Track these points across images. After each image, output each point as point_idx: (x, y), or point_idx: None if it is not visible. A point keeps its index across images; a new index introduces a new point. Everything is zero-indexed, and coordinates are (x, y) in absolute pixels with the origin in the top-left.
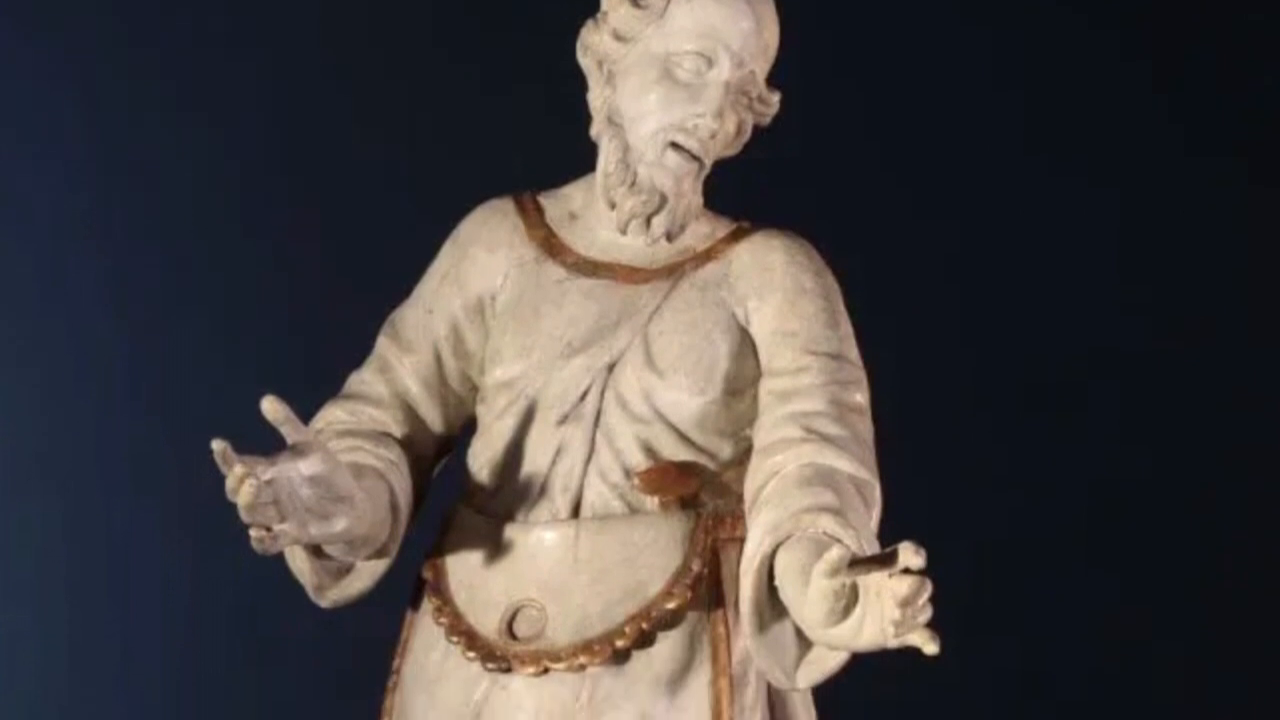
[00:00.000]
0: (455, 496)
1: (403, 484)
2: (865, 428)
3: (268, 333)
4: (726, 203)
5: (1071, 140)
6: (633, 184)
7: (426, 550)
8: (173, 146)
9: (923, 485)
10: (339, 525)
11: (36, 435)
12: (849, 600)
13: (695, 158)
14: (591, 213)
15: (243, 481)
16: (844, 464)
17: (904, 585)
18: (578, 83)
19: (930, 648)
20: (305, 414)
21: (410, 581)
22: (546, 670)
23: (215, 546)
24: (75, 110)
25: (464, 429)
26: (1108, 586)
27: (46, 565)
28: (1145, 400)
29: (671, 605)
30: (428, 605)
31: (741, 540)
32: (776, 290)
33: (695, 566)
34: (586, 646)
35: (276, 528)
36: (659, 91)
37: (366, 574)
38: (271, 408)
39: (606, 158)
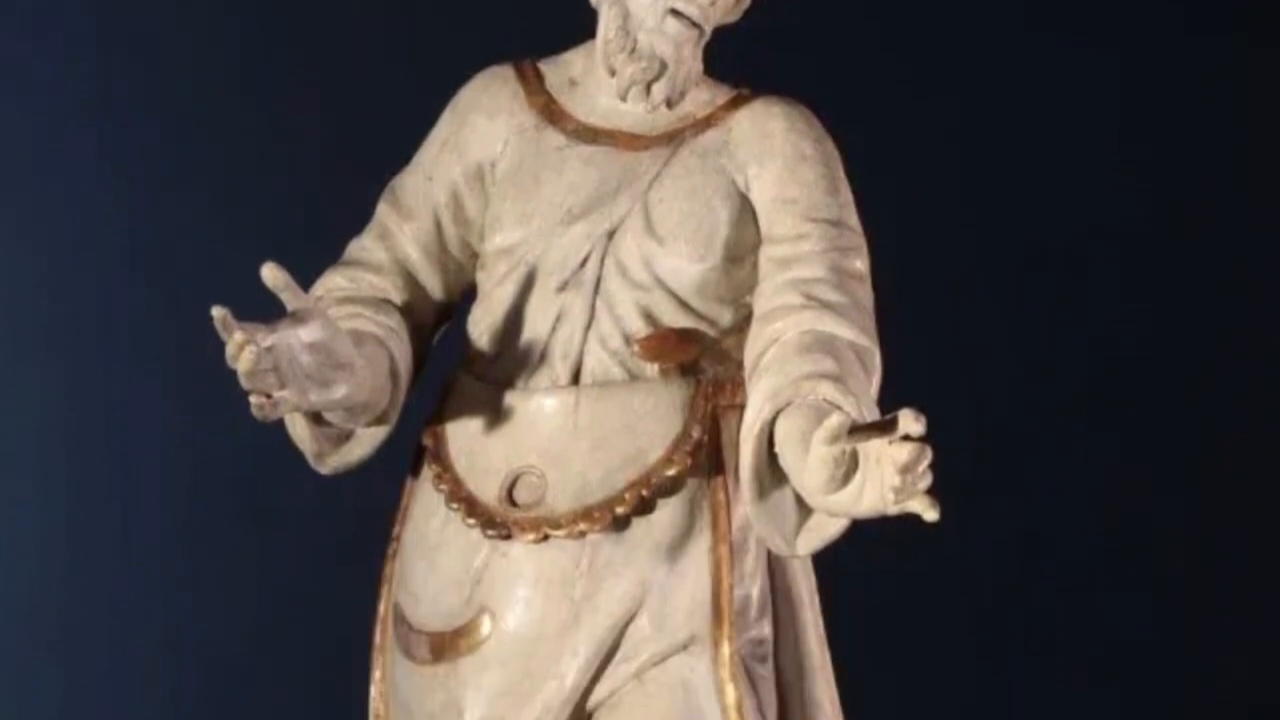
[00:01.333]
0: (455, 363)
1: (402, 351)
2: (865, 294)
3: (267, 201)
4: (727, 70)
5: (1072, 8)
6: (632, 51)
7: (426, 417)
8: (172, 16)
9: (923, 352)
10: (339, 392)
11: (37, 304)
12: (849, 467)
13: (695, 24)
14: (591, 79)
15: (242, 348)
16: (844, 331)
17: (904, 452)
18: None
19: (930, 514)
20: (305, 281)
21: (410, 448)
22: (546, 537)
23: (215, 414)
24: None
25: (464, 296)
26: (1107, 452)
27: (46, 434)
28: (1144, 269)
29: (671, 472)
30: (428, 472)
31: (742, 407)
32: (776, 157)
33: (695, 433)
34: (586, 513)
35: (276, 394)
36: None
37: (366, 441)
38: (271, 274)
39: (606, 24)
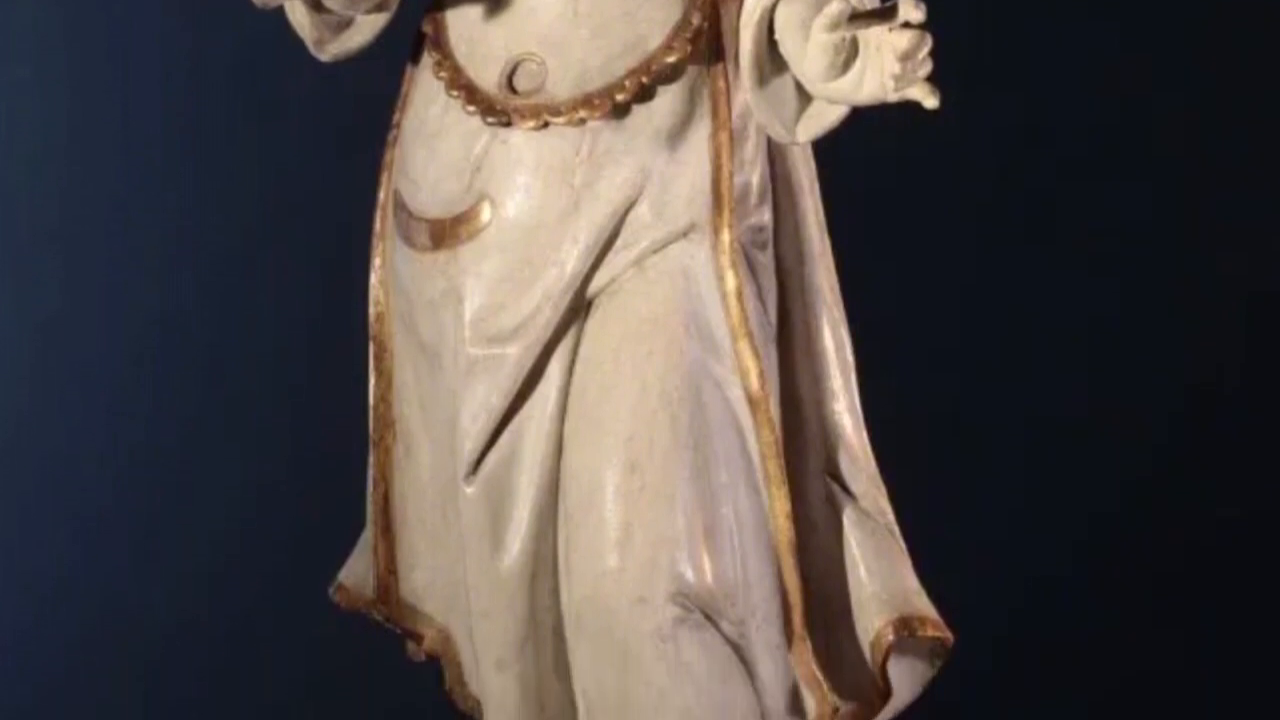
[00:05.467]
0: None
1: None
2: None
3: None
4: None
5: None
6: None
7: (426, 4)
8: None
9: None
10: None
11: None
12: (849, 54)
13: None
14: None
15: None
16: None
17: (904, 39)
18: None
19: (930, 101)
20: None
21: (411, 35)
22: (546, 124)
23: (214, 2)
24: None
25: None
26: (1107, 41)
27: (45, 20)
28: None
29: (671, 59)
30: (427, 60)
31: None
32: None
33: (695, 20)
34: (586, 100)
35: None
36: None
37: (366, 28)
38: None
39: None
